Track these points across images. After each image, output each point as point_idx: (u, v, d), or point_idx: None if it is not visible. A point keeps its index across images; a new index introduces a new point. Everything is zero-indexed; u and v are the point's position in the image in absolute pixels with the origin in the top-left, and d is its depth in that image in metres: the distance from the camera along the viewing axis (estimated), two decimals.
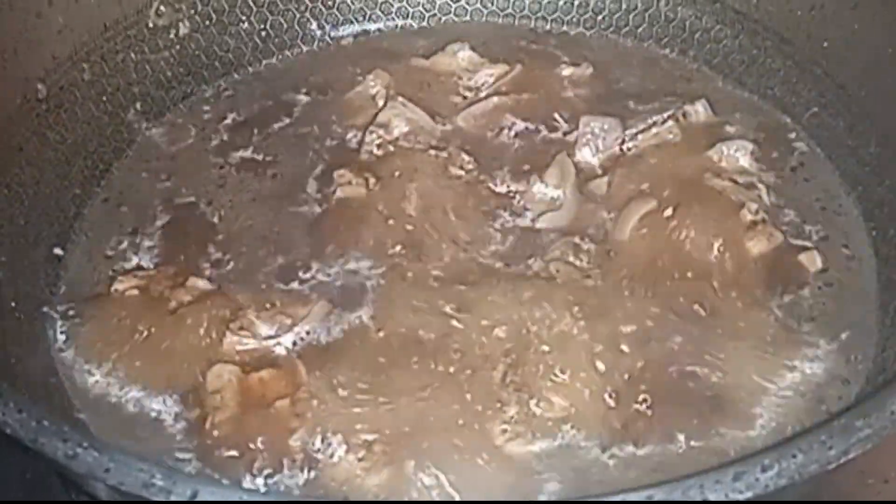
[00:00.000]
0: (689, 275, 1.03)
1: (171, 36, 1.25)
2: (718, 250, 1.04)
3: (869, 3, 1.11)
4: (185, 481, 0.64)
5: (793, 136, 1.19)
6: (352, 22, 1.35)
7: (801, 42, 1.19)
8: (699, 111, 1.18)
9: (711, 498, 0.64)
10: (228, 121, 1.24)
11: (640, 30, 1.32)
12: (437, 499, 0.87)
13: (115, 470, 0.66)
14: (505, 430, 0.90)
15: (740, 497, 0.64)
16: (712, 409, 0.92)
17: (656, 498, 0.64)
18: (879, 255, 1.05)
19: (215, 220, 1.12)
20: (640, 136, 1.16)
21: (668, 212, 1.07)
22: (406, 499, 0.87)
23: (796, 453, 0.66)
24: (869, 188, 1.09)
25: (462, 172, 1.14)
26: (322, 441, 0.90)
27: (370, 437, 0.90)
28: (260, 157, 1.19)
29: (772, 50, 1.23)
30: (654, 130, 1.16)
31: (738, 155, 1.13)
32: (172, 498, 0.64)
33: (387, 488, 0.87)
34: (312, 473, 0.88)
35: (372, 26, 1.36)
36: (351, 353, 0.97)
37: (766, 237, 1.05)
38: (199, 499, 0.63)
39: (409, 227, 1.08)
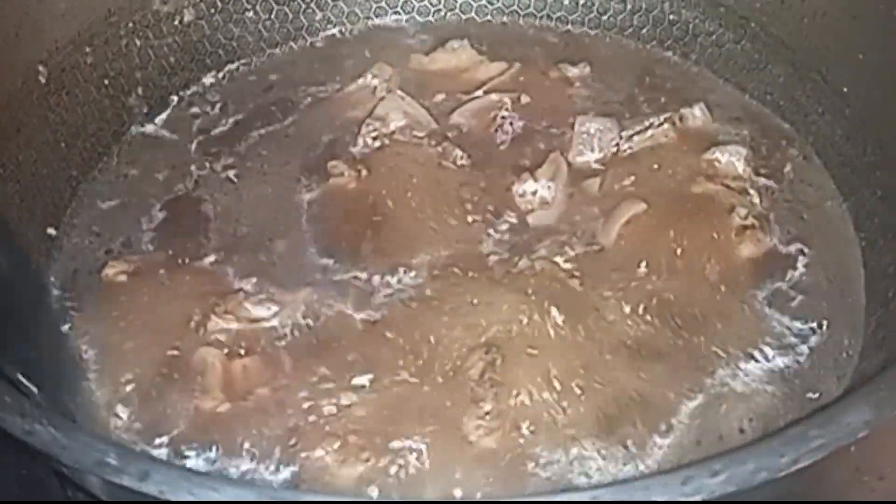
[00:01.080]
0: (676, 277, 1.03)
1: (176, 23, 1.26)
2: (706, 253, 1.04)
3: (869, 12, 1.10)
4: (137, 462, 0.65)
5: (790, 141, 1.18)
6: (356, 15, 1.36)
7: (802, 48, 1.19)
8: (696, 115, 1.18)
9: (657, 500, 0.64)
10: (229, 109, 1.25)
11: (643, 31, 1.32)
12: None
13: (70, 447, 0.67)
14: (480, 426, 0.91)
15: (687, 500, 0.64)
16: (697, 412, 0.93)
17: (602, 498, 0.64)
18: (867, 267, 1.04)
19: (210, 206, 1.13)
20: (635, 138, 1.16)
21: (658, 214, 1.08)
22: (378, 490, 0.88)
23: (747, 460, 0.66)
24: (862, 197, 1.09)
25: (454, 167, 1.14)
26: (299, 431, 0.91)
27: (347, 430, 0.91)
28: (257, 146, 1.20)
29: (773, 55, 1.22)
30: (649, 132, 1.16)
31: (732, 160, 1.13)
32: (124, 478, 0.65)
33: (362, 480, 0.88)
34: (287, 461, 0.89)
35: (376, 20, 1.36)
36: (333, 345, 0.98)
37: (754, 242, 1.05)
38: (150, 479, 0.64)
39: (398, 220, 1.09)
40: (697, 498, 0.64)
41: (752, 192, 1.10)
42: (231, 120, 1.23)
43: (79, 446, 0.67)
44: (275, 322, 1.00)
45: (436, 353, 0.97)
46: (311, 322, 1.01)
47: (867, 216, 1.07)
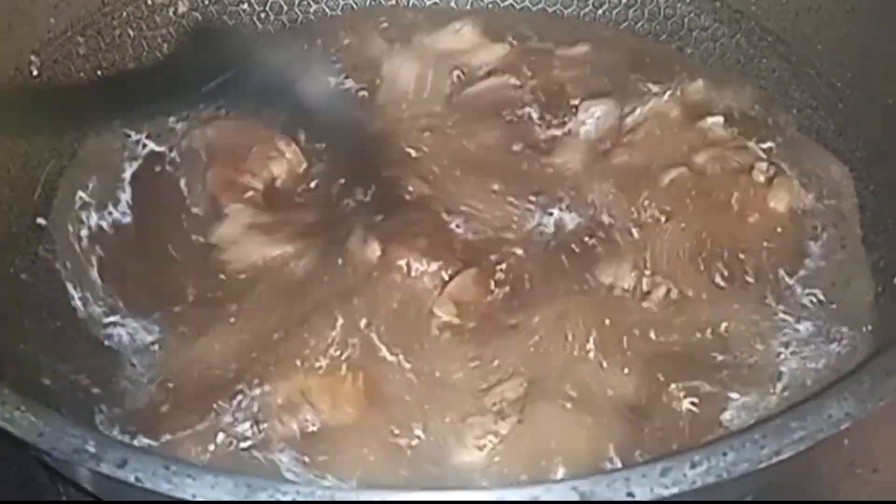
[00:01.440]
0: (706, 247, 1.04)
1: (170, 13, 1.25)
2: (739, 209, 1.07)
3: (863, 6, 1.09)
4: (115, 449, 0.65)
5: (784, 137, 1.17)
6: (352, 7, 1.35)
7: (796, 43, 1.18)
8: (698, 89, 1.19)
9: (636, 491, 0.64)
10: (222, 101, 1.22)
11: (638, 25, 1.31)
12: None
13: (48, 434, 0.67)
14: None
15: (665, 492, 0.64)
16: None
17: (580, 489, 0.64)
18: None
19: None
20: (638, 111, 1.16)
21: (677, 187, 1.09)
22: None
23: (727, 451, 0.66)
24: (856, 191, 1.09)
25: (470, 149, 1.15)
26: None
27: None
28: None
29: (768, 49, 1.21)
30: (651, 103, 1.16)
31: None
32: (102, 465, 0.65)
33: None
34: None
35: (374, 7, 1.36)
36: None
37: (785, 190, 1.07)
38: (127, 466, 0.64)
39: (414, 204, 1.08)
40: (676, 490, 0.64)
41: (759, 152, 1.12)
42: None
43: (57, 433, 0.67)
44: None
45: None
46: None
47: (859, 211, 1.07)
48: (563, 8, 1.34)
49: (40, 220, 1.08)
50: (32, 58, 1.10)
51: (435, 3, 1.36)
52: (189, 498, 0.63)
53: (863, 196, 1.07)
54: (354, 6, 1.35)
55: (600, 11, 1.32)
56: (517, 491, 0.65)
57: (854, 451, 0.95)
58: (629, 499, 0.64)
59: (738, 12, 1.24)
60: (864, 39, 1.10)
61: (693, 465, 0.65)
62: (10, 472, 0.95)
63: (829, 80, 1.14)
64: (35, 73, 1.10)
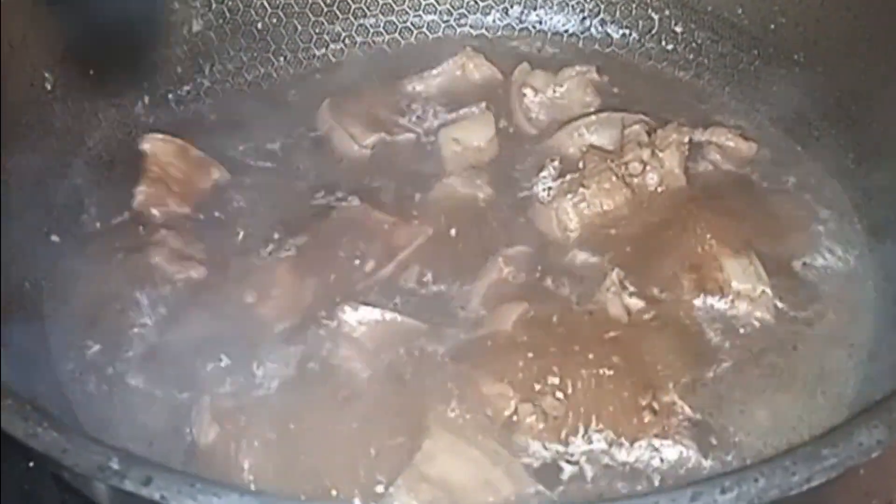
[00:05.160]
0: None
1: (184, 32, 1.25)
2: None
3: (883, 35, 1.10)
4: (140, 466, 0.64)
5: (800, 162, 1.17)
6: (365, 29, 1.35)
7: (816, 70, 1.18)
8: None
9: None
10: (235, 119, 1.23)
11: (654, 51, 1.32)
12: None
13: (72, 451, 0.66)
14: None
15: None
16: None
17: None
18: (878, 290, 1.04)
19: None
20: None
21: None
22: None
23: (758, 477, 0.65)
24: (873, 220, 1.09)
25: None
26: None
27: None
28: (262, 158, 1.19)
29: (787, 76, 1.22)
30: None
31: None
32: (126, 482, 0.64)
33: None
34: None
35: (384, 37, 1.36)
36: None
37: None
38: (152, 484, 0.63)
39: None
40: None
41: None
42: (236, 131, 1.20)
43: (81, 450, 0.66)
44: None
45: None
46: None
47: (877, 236, 1.07)
48: (579, 33, 1.34)
49: (54, 238, 1.07)
50: (46, 74, 1.09)
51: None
52: None
53: (882, 223, 1.07)
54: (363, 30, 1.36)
55: (617, 37, 1.33)
56: None
57: (870, 482, 0.94)
58: None
59: (755, 39, 1.25)
60: (884, 68, 1.10)
61: (723, 491, 0.65)
62: (12, 480, 0.94)
63: (849, 108, 1.14)
64: (49, 88, 1.09)
